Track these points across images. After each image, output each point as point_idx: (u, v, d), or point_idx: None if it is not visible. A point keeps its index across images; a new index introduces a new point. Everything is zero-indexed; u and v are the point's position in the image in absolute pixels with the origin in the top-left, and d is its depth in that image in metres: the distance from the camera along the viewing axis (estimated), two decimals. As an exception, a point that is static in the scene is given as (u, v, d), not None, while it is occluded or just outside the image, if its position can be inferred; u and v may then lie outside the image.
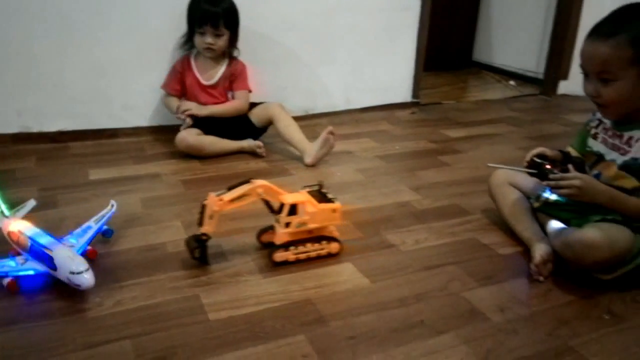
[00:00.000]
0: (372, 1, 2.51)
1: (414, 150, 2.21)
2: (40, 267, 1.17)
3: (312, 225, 1.31)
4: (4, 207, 1.32)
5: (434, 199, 1.71)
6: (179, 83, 2.12)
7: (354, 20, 2.50)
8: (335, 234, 1.37)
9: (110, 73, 2.15)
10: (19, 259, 1.21)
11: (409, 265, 1.33)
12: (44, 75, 2.08)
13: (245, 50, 2.17)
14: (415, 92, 2.77)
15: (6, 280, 1.16)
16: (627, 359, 1.04)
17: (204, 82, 2.10)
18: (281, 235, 1.30)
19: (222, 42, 2.03)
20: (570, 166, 1.29)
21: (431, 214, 1.61)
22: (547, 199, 1.33)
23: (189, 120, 2.01)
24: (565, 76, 3.08)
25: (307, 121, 2.39)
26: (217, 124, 2.06)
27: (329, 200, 1.34)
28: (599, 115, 1.34)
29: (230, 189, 1.28)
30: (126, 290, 1.19)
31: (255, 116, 2.13)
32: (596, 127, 1.36)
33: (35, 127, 2.12)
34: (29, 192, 1.65)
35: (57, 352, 1.01)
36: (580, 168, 1.33)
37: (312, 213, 1.30)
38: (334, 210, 1.32)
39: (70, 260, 1.14)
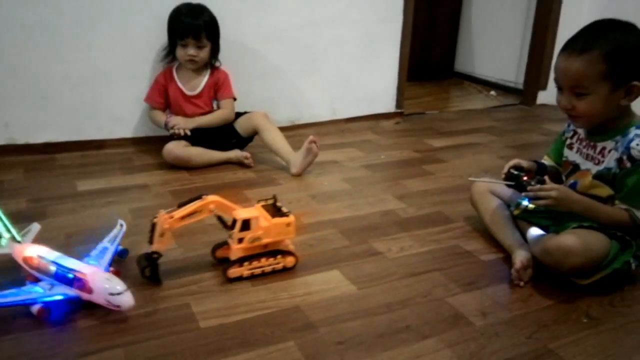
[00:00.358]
0: (356, 14, 2.57)
1: (398, 160, 2.26)
2: (70, 292, 1.14)
3: (266, 240, 1.30)
4: (14, 232, 1.27)
5: (418, 207, 1.75)
6: (162, 96, 2.14)
7: (339, 32, 2.55)
8: (291, 247, 1.36)
9: (96, 85, 2.17)
10: (44, 284, 1.17)
11: (394, 272, 1.36)
12: (30, 87, 2.09)
13: (232, 61, 2.20)
14: (400, 102, 2.83)
15: (36, 307, 1.12)
16: (604, 361, 1.08)
17: (188, 93, 2.12)
18: (235, 251, 1.29)
19: (204, 54, 2.06)
20: (546, 177, 1.33)
21: (416, 222, 1.65)
22: (526, 206, 1.38)
23: (181, 133, 2.02)
24: (544, 86, 3.16)
25: (294, 131, 2.43)
26: (204, 134, 2.08)
27: (283, 214, 1.32)
28: (573, 126, 1.40)
29: (181, 205, 1.27)
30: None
31: (240, 126, 2.16)
32: (571, 137, 1.42)
33: (22, 139, 2.13)
34: (18, 203, 1.66)
35: (50, 361, 1.02)
36: (555, 178, 1.38)
37: (266, 227, 1.29)
38: (288, 224, 1.31)
39: (108, 281, 1.13)
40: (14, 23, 1.99)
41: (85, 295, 1.15)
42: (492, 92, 3.47)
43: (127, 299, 1.12)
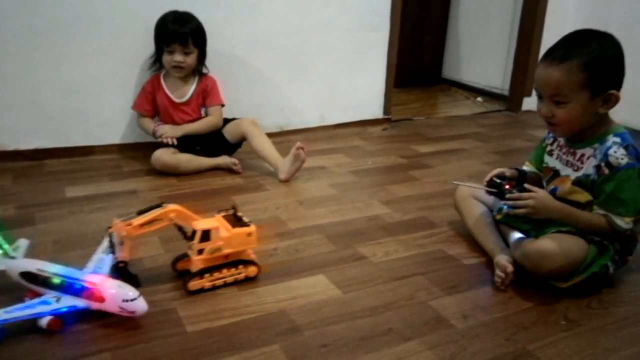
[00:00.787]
0: (343, 22, 2.60)
1: (385, 166, 2.29)
2: (79, 302, 1.14)
3: (227, 251, 1.29)
4: (7, 248, 1.23)
5: (403, 212, 1.78)
6: (150, 103, 2.15)
7: (327, 39, 2.59)
8: (253, 257, 1.35)
9: (85, 91, 2.18)
10: (50, 297, 1.15)
11: (379, 276, 1.39)
12: (19, 94, 2.10)
13: (221, 68, 2.22)
14: (387, 108, 2.86)
15: (46, 320, 1.10)
16: (581, 361, 1.11)
17: (176, 100, 2.14)
18: (195, 262, 1.27)
19: (190, 60, 2.07)
20: (526, 185, 1.35)
21: (401, 226, 1.68)
22: (507, 212, 1.42)
23: (169, 142, 2.04)
24: (529, 93, 3.21)
25: (282, 137, 2.45)
26: (192, 141, 2.10)
27: (244, 224, 1.31)
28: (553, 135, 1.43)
29: (140, 213, 1.26)
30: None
31: (229, 132, 2.18)
32: (551, 144, 1.45)
33: (11, 145, 2.13)
34: (6, 210, 1.66)
35: (38, 365, 1.03)
36: (536, 184, 1.41)
37: (227, 238, 1.28)
38: (249, 234, 1.30)
39: (121, 289, 1.13)
40: (3, 30, 2.01)
41: (95, 305, 1.14)
42: (479, 99, 3.52)
43: (141, 304, 1.13)
